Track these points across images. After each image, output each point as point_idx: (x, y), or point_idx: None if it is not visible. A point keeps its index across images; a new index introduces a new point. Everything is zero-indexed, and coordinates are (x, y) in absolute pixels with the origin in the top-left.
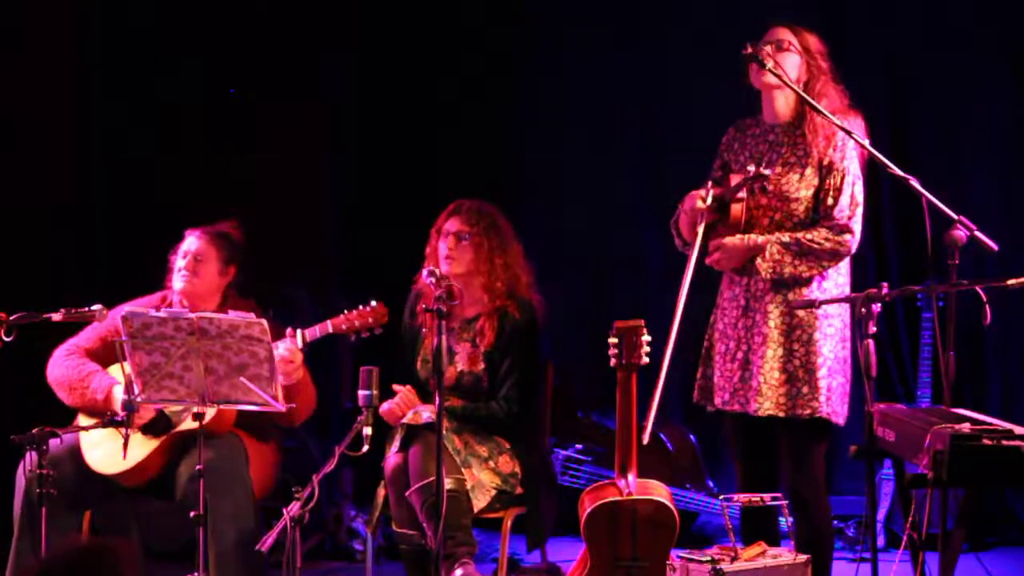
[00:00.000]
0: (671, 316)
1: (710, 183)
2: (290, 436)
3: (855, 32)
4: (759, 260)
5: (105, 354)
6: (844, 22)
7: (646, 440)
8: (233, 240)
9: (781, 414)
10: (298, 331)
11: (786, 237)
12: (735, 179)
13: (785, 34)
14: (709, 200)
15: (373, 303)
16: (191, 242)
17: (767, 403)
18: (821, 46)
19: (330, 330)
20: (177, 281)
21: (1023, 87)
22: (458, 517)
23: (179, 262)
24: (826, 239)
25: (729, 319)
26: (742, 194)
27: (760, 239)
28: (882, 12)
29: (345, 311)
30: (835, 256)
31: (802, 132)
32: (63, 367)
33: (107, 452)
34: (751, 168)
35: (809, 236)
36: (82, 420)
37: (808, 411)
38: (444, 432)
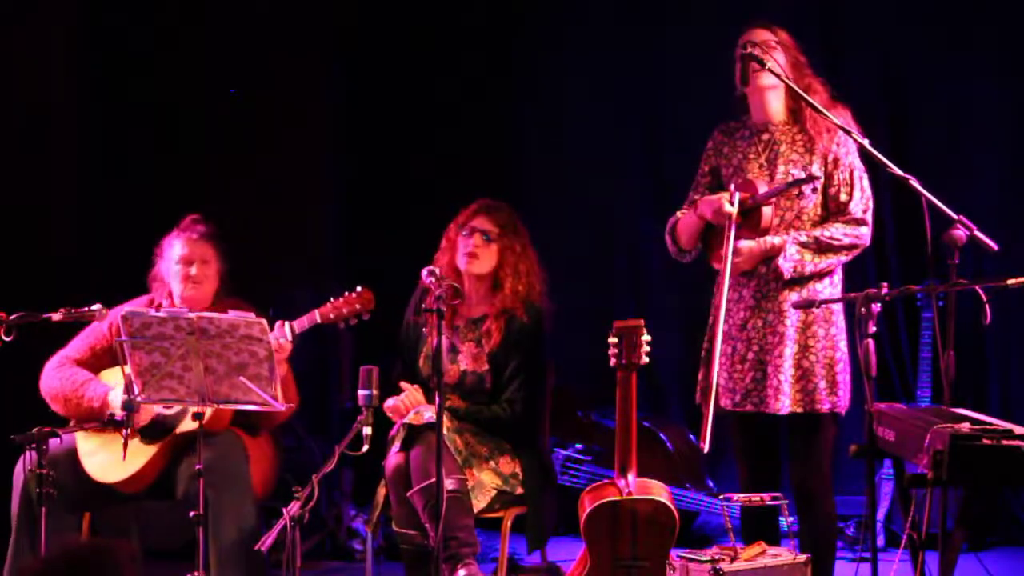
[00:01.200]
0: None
1: (732, 187)
2: (290, 436)
3: (855, 32)
4: (780, 260)
5: (95, 364)
6: (844, 22)
7: (706, 449)
8: (219, 236)
9: (801, 410)
10: (286, 323)
11: (803, 236)
12: (760, 184)
13: (766, 35)
14: (736, 206)
15: (359, 288)
16: (190, 247)
17: (788, 400)
18: (793, 40)
19: (318, 320)
20: (186, 288)
21: (1023, 86)
22: (460, 518)
23: (178, 268)
24: (844, 234)
25: (735, 320)
26: (794, 193)
27: (776, 240)
28: (882, 12)
29: (331, 299)
30: (853, 249)
31: (800, 128)
32: (56, 379)
33: (105, 460)
34: (795, 172)
35: (827, 233)
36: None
37: (828, 405)
38: (445, 432)
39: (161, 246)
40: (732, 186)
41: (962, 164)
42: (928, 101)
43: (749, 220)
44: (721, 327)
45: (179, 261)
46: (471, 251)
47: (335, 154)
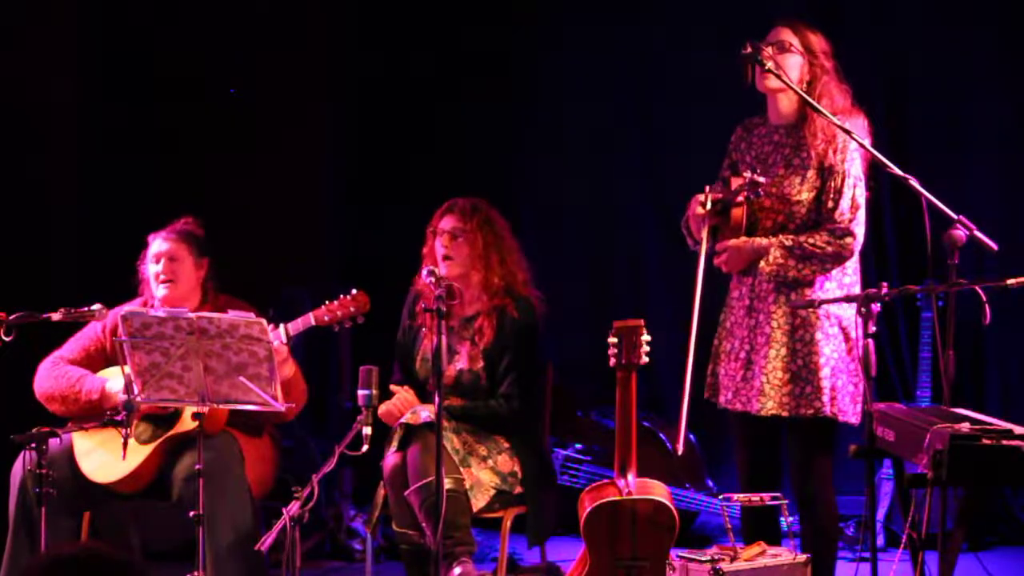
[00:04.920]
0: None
1: (707, 188)
2: (289, 435)
3: (854, 31)
4: (762, 263)
5: (89, 365)
6: (844, 21)
7: (681, 451)
8: (198, 235)
9: (784, 414)
10: (281, 325)
11: (788, 241)
12: (735, 182)
13: (787, 35)
14: (708, 205)
15: (354, 291)
16: (159, 246)
17: (770, 403)
18: (825, 44)
19: (312, 322)
20: (159, 289)
21: (1022, 86)
22: (457, 516)
23: (153, 268)
24: (828, 243)
25: (735, 318)
26: (741, 198)
27: (764, 242)
28: (881, 12)
29: (326, 302)
30: (838, 259)
31: (803, 134)
32: (51, 379)
33: (101, 461)
34: (747, 174)
35: (811, 240)
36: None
37: (811, 411)
38: (443, 431)
39: (145, 250)
40: (707, 187)
41: (962, 164)
42: (928, 101)
43: (723, 219)
44: (695, 328)
45: (152, 260)
46: (443, 253)
47: (335, 154)
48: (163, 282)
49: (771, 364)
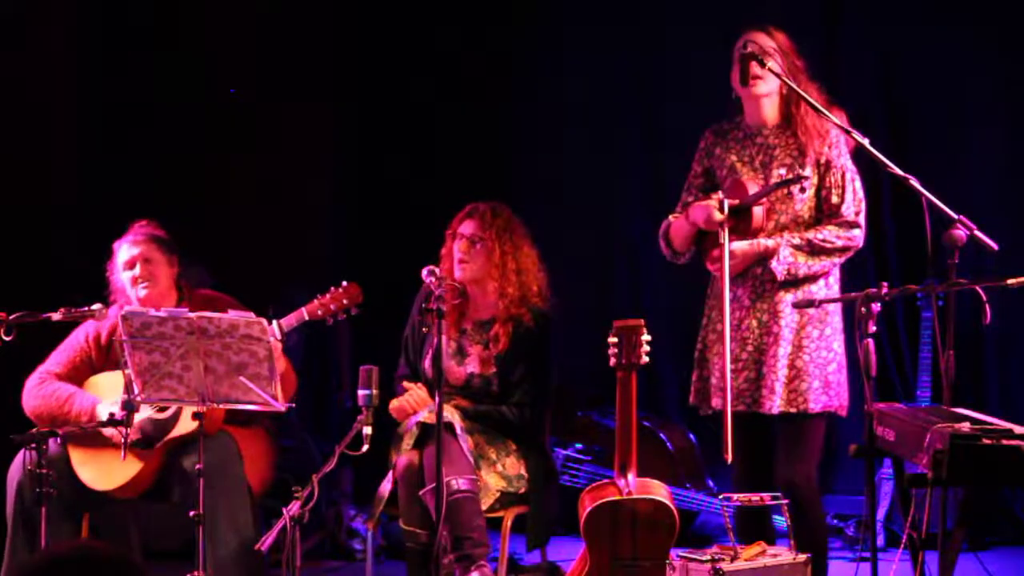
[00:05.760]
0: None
1: (720, 194)
2: (289, 435)
3: (854, 31)
4: (772, 263)
5: (75, 376)
6: (843, 21)
7: (730, 459)
8: (162, 235)
9: (793, 410)
10: (274, 321)
11: (796, 239)
12: (751, 185)
13: (763, 39)
14: (726, 211)
15: (345, 283)
16: (129, 251)
17: (779, 400)
18: (791, 43)
19: (306, 317)
20: (139, 291)
21: (1023, 86)
22: (473, 518)
23: (126, 274)
24: (837, 237)
25: (730, 321)
26: (764, 199)
27: (769, 242)
28: (881, 12)
29: (318, 296)
30: (846, 251)
31: (792, 133)
32: (39, 398)
33: (100, 469)
34: (782, 172)
35: (820, 236)
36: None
37: (819, 405)
38: (459, 432)
39: (111, 259)
40: (720, 192)
41: (962, 164)
42: (927, 101)
43: (741, 222)
44: (728, 332)
45: (124, 266)
46: (460, 258)
47: (335, 154)
48: (141, 285)
49: (780, 362)
